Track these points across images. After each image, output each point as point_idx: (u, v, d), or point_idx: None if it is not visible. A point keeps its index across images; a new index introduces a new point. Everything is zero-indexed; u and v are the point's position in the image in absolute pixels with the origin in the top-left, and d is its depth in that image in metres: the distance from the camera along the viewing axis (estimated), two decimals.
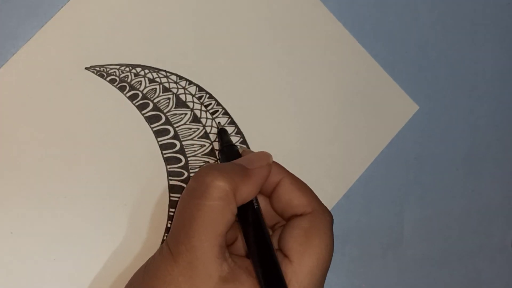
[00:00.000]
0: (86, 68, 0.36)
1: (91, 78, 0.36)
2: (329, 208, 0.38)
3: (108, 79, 0.36)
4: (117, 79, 0.36)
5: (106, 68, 0.36)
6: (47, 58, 0.35)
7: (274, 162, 0.33)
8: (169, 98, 0.37)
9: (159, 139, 0.36)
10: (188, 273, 0.27)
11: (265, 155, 0.32)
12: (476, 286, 0.43)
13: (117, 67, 0.36)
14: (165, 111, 0.37)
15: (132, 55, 0.36)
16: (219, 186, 0.28)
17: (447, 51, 0.43)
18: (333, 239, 0.31)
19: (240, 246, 0.33)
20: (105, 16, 0.36)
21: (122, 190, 0.35)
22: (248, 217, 0.30)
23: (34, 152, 0.34)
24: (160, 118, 0.36)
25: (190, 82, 0.37)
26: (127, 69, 0.36)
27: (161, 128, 0.36)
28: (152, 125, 0.36)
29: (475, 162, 0.43)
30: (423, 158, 0.42)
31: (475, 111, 0.43)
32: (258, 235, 0.30)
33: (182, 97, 0.37)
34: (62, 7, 0.36)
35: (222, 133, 0.36)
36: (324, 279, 0.30)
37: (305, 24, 0.39)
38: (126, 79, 0.36)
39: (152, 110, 0.36)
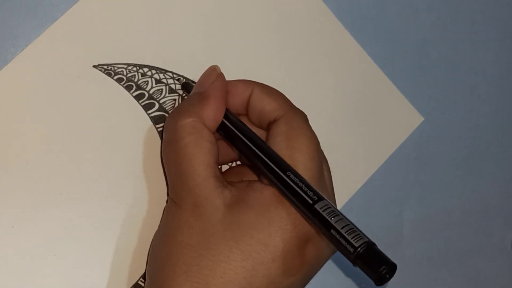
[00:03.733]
0: (94, 66, 0.36)
1: (98, 76, 0.36)
2: None
3: (115, 77, 0.36)
4: (124, 78, 0.36)
5: (114, 67, 0.36)
6: (56, 54, 0.35)
7: (241, 79, 0.33)
8: (175, 100, 0.37)
9: None
10: (195, 213, 0.28)
11: (211, 69, 0.33)
12: (475, 285, 0.43)
13: (125, 66, 0.36)
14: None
15: (140, 55, 0.36)
16: (183, 125, 0.29)
17: (447, 51, 0.43)
18: (313, 132, 0.31)
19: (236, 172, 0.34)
20: (115, 15, 0.36)
21: (125, 189, 0.35)
22: (230, 130, 0.31)
23: (38, 148, 0.34)
24: (165, 119, 0.36)
25: None
26: (135, 68, 0.36)
27: None
28: (157, 126, 0.36)
29: (475, 162, 0.43)
30: (423, 158, 0.42)
31: (475, 111, 0.43)
32: (247, 136, 0.31)
33: None
34: (62, 7, 0.36)
35: (187, 87, 0.35)
36: (322, 170, 0.30)
37: (315, 33, 0.40)
38: (133, 78, 0.36)
39: (157, 110, 0.36)
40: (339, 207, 0.39)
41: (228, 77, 0.38)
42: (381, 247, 0.41)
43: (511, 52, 0.44)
